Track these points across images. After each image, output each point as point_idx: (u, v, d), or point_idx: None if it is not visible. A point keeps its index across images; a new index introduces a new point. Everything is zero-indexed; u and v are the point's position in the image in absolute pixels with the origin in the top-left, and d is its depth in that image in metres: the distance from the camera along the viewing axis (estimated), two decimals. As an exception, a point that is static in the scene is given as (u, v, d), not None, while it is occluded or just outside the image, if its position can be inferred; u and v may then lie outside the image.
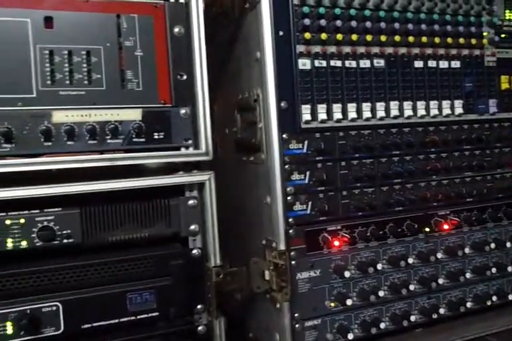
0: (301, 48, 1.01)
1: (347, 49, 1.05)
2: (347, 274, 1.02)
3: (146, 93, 0.90)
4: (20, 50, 0.82)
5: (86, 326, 0.85)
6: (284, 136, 0.99)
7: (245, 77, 1.10)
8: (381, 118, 1.08)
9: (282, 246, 0.98)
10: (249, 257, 1.06)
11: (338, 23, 1.03)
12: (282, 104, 0.99)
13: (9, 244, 0.82)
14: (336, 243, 1.04)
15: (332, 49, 1.04)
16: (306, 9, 1.00)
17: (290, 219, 1.00)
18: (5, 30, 0.81)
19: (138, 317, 0.88)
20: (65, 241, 0.85)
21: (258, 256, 1.05)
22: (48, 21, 0.84)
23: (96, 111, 0.86)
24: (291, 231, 1.00)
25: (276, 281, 0.97)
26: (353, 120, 1.05)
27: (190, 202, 0.92)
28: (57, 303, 0.83)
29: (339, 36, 1.03)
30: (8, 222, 0.82)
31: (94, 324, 0.86)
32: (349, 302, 1.02)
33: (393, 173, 1.09)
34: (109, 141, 0.87)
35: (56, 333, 0.83)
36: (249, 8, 1.04)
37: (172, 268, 0.90)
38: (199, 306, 0.93)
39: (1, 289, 0.81)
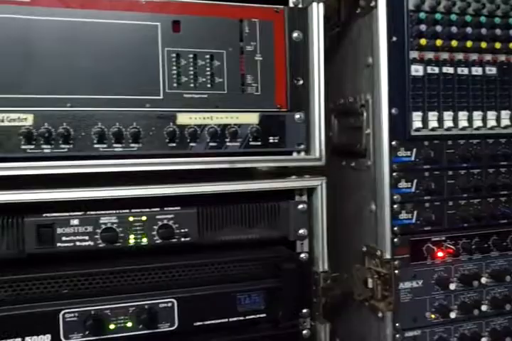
0: (414, 54, 0.99)
1: (459, 56, 1.03)
2: (452, 286, 1.00)
3: (264, 97, 0.91)
4: (150, 53, 0.85)
5: (198, 323, 0.87)
6: (393, 143, 0.98)
7: (350, 82, 1.10)
8: (491, 128, 1.05)
9: (388, 255, 0.97)
10: (345, 262, 1.06)
11: (454, 29, 1.00)
12: (393, 111, 0.98)
13: (131, 240, 0.85)
14: (440, 254, 1.02)
15: (445, 55, 1.01)
16: (422, 15, 0.98)
17: (395, 228, 0.99)
18: (137, 33, 0.84)
19: (246, 317, 0.90)
20: (183, 239, 0.87)
21: (355, 262, 1.04)
22: (176, 25, 0.86)
23: (217, 114, 0.88)
24: (395, 240, 0.98)
25: (381, 290, 0.96)
26: (463, 129, 1.02)
27: (300, 206, 0.93)
28: (172, 300, 0.85)
29: (454, 43, 1.01)
30: (131, 218, 0.85)
31: (206, 322, 0.87)
32: (453, 315, 1.00)
33: (500, 185, 1.06)
34: (228, 143, 0.88)
35: (171, 329, 0.85)
36: (362, 14, 1.03)
37: (281, 271, 0.90)
38: (304, 310, 0.93)
39: (122, 284, 0.84)
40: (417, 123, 0.99)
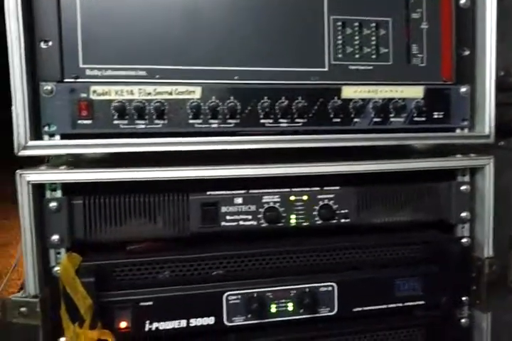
0: None
1: None
2: None
3: (429, 69, 0.84)
4: (315, 22, 0.79)
5: (357, 309, 0.83)
6: (559, 121, 0.90)
7: (500, 55, 1.01)
8: None
9: (551, 241, 0.90)
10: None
11: None
12: (559, 86, 0.89)
13: (292, 220, 0.81)
14: None
15: None
16: None
17: (556, 213, 0.91)
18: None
19: (404, 304, 0.85)
20: (342, 220, 0.82)
21: (502, 247, 0.98)
22: (341, -9, 0.80)
23: (382, 88, 0.82)
24: (555, 226, 0.91)
25: (543, 278, 0.90)
26: None
27: (463, 187, 0.86)
28: (332, 284, 0.81)
29: None
30: (292, 197, 0.81)
31: (365, 308, 0.83)
32: None
33: None
34: (392, 119, 0.82)
35: (330, 314, 0.81)
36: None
37: (442, 256, 0.85)
38: (464, 298, 0.87)
39: (284, 265, 0.80)
40: None
